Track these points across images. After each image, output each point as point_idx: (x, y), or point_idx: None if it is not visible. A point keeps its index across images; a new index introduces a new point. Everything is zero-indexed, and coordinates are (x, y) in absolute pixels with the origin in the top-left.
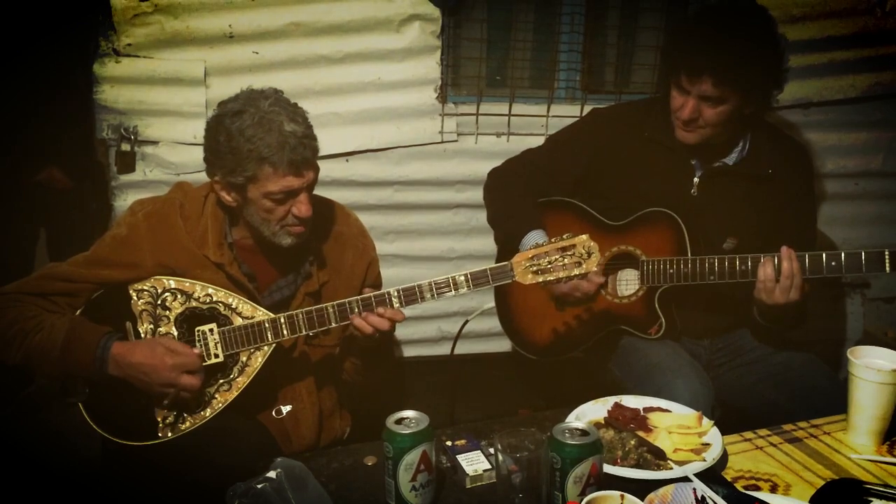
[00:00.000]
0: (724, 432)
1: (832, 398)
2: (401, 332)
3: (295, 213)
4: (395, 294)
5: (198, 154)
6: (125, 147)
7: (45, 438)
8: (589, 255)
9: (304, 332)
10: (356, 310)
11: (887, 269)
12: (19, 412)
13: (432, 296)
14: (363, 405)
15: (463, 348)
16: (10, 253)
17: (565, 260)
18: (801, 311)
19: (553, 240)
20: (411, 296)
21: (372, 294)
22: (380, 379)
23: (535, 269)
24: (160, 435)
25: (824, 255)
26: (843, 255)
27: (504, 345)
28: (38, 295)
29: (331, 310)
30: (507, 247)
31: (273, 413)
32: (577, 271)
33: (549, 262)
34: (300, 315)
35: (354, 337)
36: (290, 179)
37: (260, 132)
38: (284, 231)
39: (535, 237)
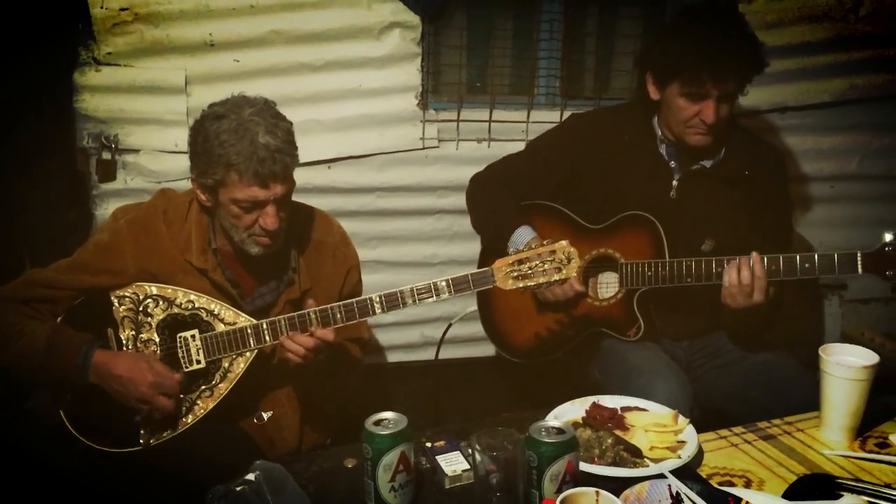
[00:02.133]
0: (701, 431)
1: (808, 397)
2: (384, 337)
3: (261, 223)
4: (377, 300)
5: (179, 162)
6: (106, 155)
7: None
8: (569, 260)
9: None
10: (338, 316)
11: (860, 270)
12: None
13: (414, 301)
14: (342, 412)
15: (447, 353)
16: None
17: (545, 265)
18: (769, 314)
19: (533, 245)
20: (393, 302)
21: (354, 301)
22: (348, 388)
23: (515, 274)
24: (141, 441)
25: (798, 257)
26: (816, 256)
27: (488, 349)
28: (20, 301)
29: (313, 315)
30: (494, 247)
31: (254, 419)
32: (557, 276)
33: (530, 268)
34: (282, 321)
35: (288, 360)
36: (256, 190)
37: (233, 139)
38: (252, 239)
39: (524, 233)
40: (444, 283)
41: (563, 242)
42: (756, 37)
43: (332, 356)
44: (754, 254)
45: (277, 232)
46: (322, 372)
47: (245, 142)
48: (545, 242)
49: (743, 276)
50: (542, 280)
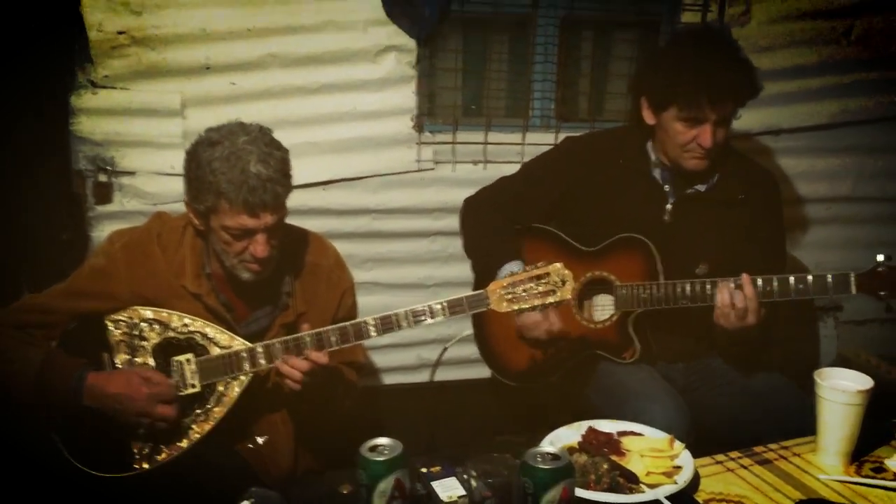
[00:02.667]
0: (698, 455)
1: (805, 420)
2: (380, 359)
3: (251, 251)
4: (372, 323)
5: (174, 184)
6: (102, 178)
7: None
8: (563, 282)
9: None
10: (333, 339)
11: (853, 290)
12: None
13: (409, 324)
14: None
15: (442, 375)
16: None
17: (540, 288)
18: (762, 335)
19: (527, 268)
20: (388, 324)
21: (349, 324)
22: (344, 412)
23: (510, 296)
24: (136, 467)
25: (792, 278)
26: (809, 277)
27: (483, 371)
28: (15, 327)
29: (308, 339)
30: (484, 277)
31: (248, 444)
32: (551, 299)
33: (524, 290)
34: (277, 344)
35: (283, 385)
36: (245, 219)
37: (224, 166)
38: (242, 266)
39: (511, 269)
40: (438, 306)
41: (558, 265)
42: (750, 61)
43: (326, 380)
44: (744, 275)
45: (268, 259)
46: (317, 396)
47: (236, 170)
48: (540, 265)
49: (736, 297)
50: (536, 302)
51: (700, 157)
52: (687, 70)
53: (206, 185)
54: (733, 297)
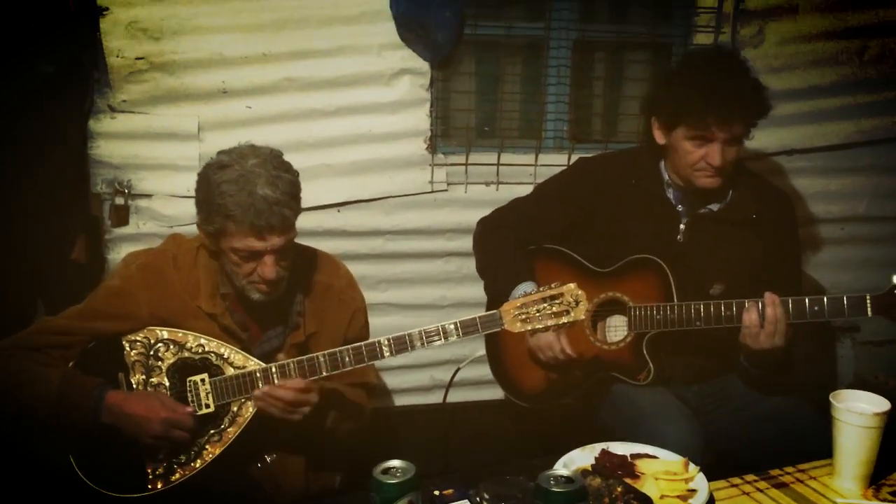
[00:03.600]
0: (713, 478)
1: (821, 442)
2: (393, 380)
3: (259, 273)
4: (386, 343)
5: (191, 207)
6: (119, 201)
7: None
8: (577, 303)
9: None
10: (347, 359)
11: (869, 313)
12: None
13: (422, 344)
14: (348, 456)
15: (455, 396)
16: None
17: (553, 308)
18: (786, 356)
19: (541, 288)
20: (402, 345)
21: (363, 344)
22: (348, 435)
23: (523, 317)
24: (150, 487)
25: (807, 300)
26: (825, 299)
27: (497, 392)
28: (32, 349)
29: (322, 359)
30: (497, 298)
31: (258, 464)
32: (565, 319)
33: (538, 311)
34: (291, 364)
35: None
36: (252, 241)
37: (233, 189)
38: (252, 287)
39: (524, 290)
40: (452, 326)
41: (571, 285)
42: (760, 81)
43: (329, 405)
44: (773, 295)
45: (277, 280)
46: (320, 418)
47: (244, 193)
48: (553, 285)
49: (766, 317)
50: (550, 323)
51: (711, 175)
52: (694, 89)
53: (215, 207)
54: (763, 317)
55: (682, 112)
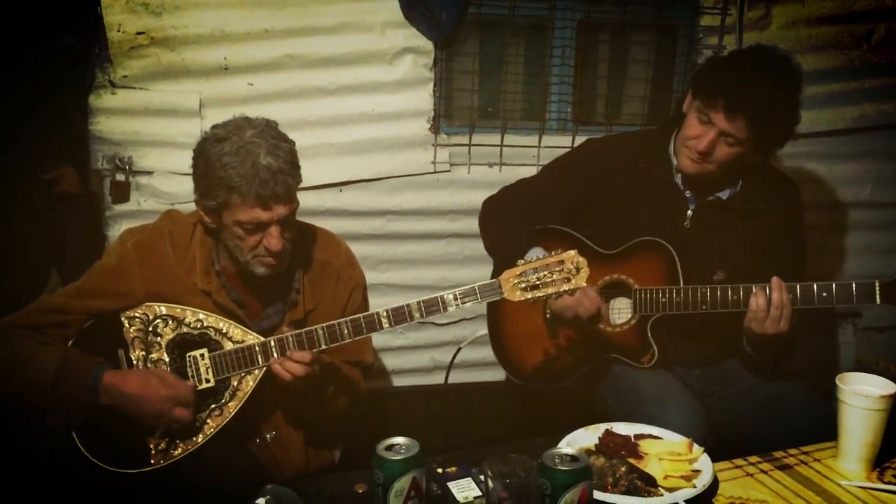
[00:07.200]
0: (715, 460)
1: (823, 426)
2: (393, 361)
3: (265, 245)
4: (384, 314)
5: (191, 184)
6: (120, 177)
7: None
8: (578, 270)
9: None
10: (346, 331)
11: (878, 300)
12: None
13: (421, 315)
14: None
15: (456, 378)
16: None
17: (554, 276)
18: (789, 342)
19: (541, 256)
20: (400, 316)
21: (361, 315)
22: (338, 409)
23: (523, 285)
24: (152, 462)
25: (815, 286)
26: (834, 285)
27: (497, 374)
28: (30, 328)
29: (321, 332)
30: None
31: (257, 440)
32: (566, 287)
33: (538, 279)
34: (290, 338)
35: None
36: (258, 212)
37: (234, 161)
38: (256, 260)
39: (536, 253)
40: (450, 296)
41: (572, 252)
42: (795, 111)
43: (318, 378)
44: (779, 280)
45: (282, 252)
46: (306, 391)
47: (247, 164)
48: (554, 252)
49: (772, 302)
50: (550, 290)
51: (693, 157)
52: (730, 70)
53: (217, 180)
54: (770, 302)
55: (705, 83)
